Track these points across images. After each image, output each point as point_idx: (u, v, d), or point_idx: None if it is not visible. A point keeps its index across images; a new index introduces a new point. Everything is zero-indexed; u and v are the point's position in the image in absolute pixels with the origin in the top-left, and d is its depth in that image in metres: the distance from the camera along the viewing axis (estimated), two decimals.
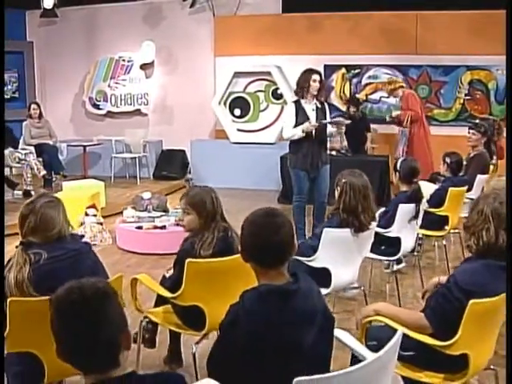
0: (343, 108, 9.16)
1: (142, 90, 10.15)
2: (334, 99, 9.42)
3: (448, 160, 4.94)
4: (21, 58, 10.37)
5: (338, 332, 2.24)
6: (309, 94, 5.52)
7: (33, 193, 7.85)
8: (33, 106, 8.57)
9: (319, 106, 5.63)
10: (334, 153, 8.16)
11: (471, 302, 2.20)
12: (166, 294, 2.92)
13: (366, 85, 9.29)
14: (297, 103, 5.57)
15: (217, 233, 2.88)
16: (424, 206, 4.55)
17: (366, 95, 9.31)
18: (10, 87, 10.27)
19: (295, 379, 1.62)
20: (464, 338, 2.24)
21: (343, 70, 9.36)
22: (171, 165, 9.63)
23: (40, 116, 8.58)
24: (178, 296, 2.83)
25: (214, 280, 2.75)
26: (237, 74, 9.23)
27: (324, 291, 3.43)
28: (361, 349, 2.12)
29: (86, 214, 6.31)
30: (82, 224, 6.25)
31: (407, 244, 4.09)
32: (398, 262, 4.55)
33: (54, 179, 8.04)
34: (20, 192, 7.85)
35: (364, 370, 1.73)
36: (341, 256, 3.37)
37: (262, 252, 2.00)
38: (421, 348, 2.42)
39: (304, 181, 5.62)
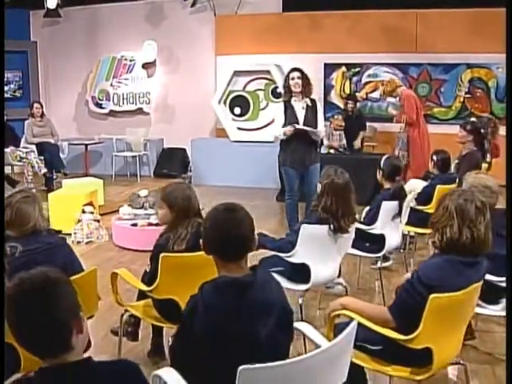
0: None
1: (144, 89, 10.24)
2: (334, 97, 9.46)
3: (435, 158, 4.96)
4: (25, 57, 10.50)
5: (298, 324, 2.28)
6: (291, 92, 5.50)
7: (34, 191, 7.97)
8: (35, 105, 8.68)
9: (310, 104, 5.62)
10: (332, 151, 8.22)
11: (432, 296, 2.22)
12: (143, 287, 2.98)
13: (366, 83, 9.31)
14: (286, 102, 5.57)
15: (190, 228, 2.94)
16: (412, 203, 4.58)
17: (367, 93, 9.33)
18: (13, 86, 10.41)
19: (240, 367, 1.67)
20: (426, 332, 2.27)
21: (343, 69, 9.39)
22: (172, 163, 9.72)
23: (42, 115, 8.69)
24: (153, 289, 2.89)
25: (187, 274, 2.80)
26: (237, 73, 9.28)
27: (304, 287, 3.49)
28: (319, 340, 2.16)
29: (83, 212, 6.38)
30: (79, 221, 6.32)
31: (392, 241, 4.11)
32: (385, 259, 4.57)
33: (54, 177, 8.12)
34: None
35: (312, 360, 1.77)
36: (319, 252, 3.40)
37: (221, 245, 2.07)
38: (388, 342, 2.45)
39: (293, 178, 5.63)
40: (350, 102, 8.59)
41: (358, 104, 8.90)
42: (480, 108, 8.80)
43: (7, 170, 7.99)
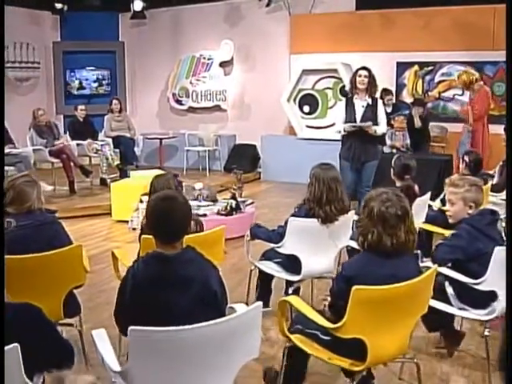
0: None
1: (221, 87, 10.60)
2: (406, 97, 9.25)
3: (467, 159, 4.80)
4: (113, 57, 11.25)
5: (235, 305, 2.43)
6: (357, 89, 5.75)
7: (108, 181, 8.59)
8: (114, 101, 9.33)
9: (370, 102, 5.75)
10: (394, 151, 8.07)
11: (354, 288, 2.28)
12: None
13: (439, 82, 9.03)
14: (348, 99, 5.88)
15: None
16: (437, 204, 4.49)
17: (439, 93, 9.04)
18: (100, 84, 11.22)
19: (130, 327, 1.87)
20: (352, 322, 2.32)
21: (416, 67, 9.16)
22: (242, 159, 9.96)
23: (120, 110, 9.31)
24: None
25: None
26: (305, 72, 9.37)
27: (296, 277, 3.59)
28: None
29: (141, 201, 6.80)
30: (136, 209, 6.76)
31: None
32: None
33: (127, 169, 8.67)
34: (97, 180, 8.63)
35: (205, 330, 1.93)
36: (309, 245, 3.48)
37: (156, 229, 2.34)
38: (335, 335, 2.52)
39: (347, 171, 5.78)
40: (417, 107, 8.25)
41: (429, 105, 8.67)
42: None
43: (84, 161, 8.67)
